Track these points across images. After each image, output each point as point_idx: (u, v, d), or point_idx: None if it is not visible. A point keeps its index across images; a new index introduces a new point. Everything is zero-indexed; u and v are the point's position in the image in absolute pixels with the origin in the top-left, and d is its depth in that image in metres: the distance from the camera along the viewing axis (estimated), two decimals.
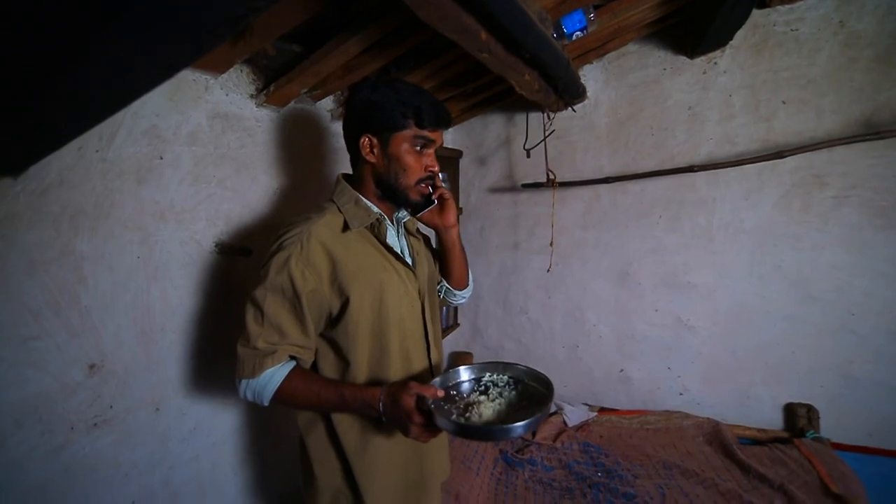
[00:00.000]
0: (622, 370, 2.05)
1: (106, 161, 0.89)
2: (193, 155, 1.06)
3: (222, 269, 1.13)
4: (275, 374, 0.81)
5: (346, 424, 0.88)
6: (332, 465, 0.91)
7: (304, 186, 1.35)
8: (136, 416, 0.93)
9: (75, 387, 0.84)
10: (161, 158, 0.99)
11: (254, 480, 1.24)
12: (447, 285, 1.15)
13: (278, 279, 0.82)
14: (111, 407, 0.89)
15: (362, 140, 0.90)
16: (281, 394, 0.82)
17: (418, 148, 0.91)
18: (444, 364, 1.38)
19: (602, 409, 1.97)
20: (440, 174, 1.00)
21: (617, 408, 1.99)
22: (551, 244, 1.99)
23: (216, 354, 1.11)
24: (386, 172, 0.91)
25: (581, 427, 1.85)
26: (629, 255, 2.00)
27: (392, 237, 0.97)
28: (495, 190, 2.27)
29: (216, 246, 1.12)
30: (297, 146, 1.34)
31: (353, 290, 0.85)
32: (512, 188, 2.21)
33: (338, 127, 1.49)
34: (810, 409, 1.74)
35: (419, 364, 0.94)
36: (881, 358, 1.70)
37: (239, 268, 1.16)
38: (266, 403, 0.82)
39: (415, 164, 0.90)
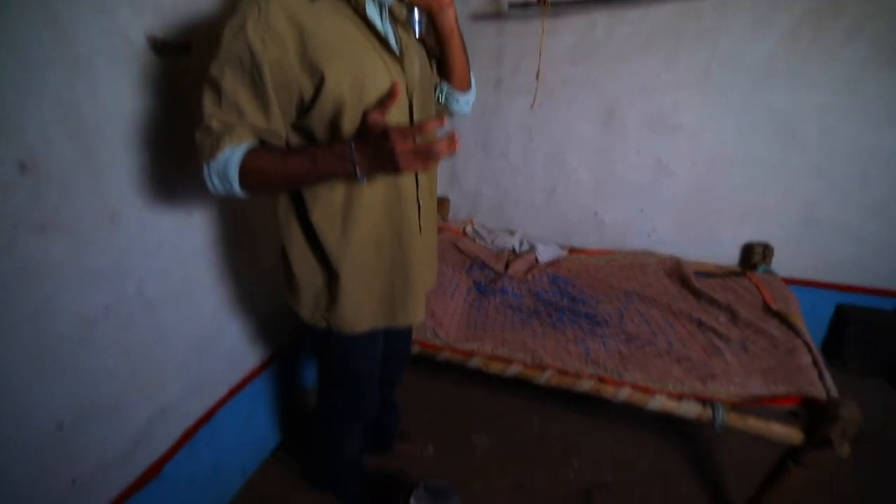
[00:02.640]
0: (596, 213, 2.08)
1: None
2: None
3: (165, 73, 0.98)
4: (234, 151, 0.74)
5: (325, 221, 0.84)
6: (312, 265, 0.91)
7: None
8: (89, 224, 0.88)
9: (8, 186, 0.77)
10: None
11: (234, 298, 1.26)
12: (447, 87, 1.01)
13: (234, 48, 0.70)
14: (57, 211, 0.83)
15: None
16: (247, 173, 0.74)
17: None
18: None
19: (573, 250, 2.04)
20: None
21: (588, 248, 2.07)
22: (537, 76, 1.83)
23: (174, 167, 1.02)
24: None
25: (552, 264, 1.93)
26: (618, 93, 1.88)
27: (373, 11, 0.83)
28: (478, 17, 1.99)
29: (149, 42, 0.95)
30: None
31: (328, 67, 0.73)
32: (497, 14, 1.95)
33: None
34: (766, 247, 1.84)
35: (405, 179, 0.88)
36: (846, 202, 1.76)
37: (189, 71, 1.01)
38: (237, 188, 0.76)
39: None
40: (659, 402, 1.22)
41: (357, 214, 0.85)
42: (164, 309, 1.06)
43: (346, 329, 0.95)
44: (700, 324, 1.51)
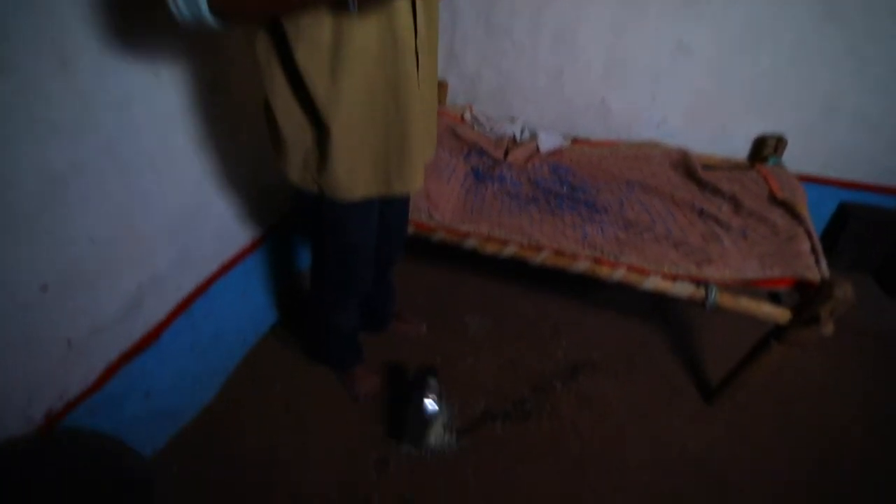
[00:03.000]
0: (604, 99, 1.94)
1: None
2: None
3: None
4: None
5: (312, 64, 0.74)
6: (300, 119, 0.83)
7: None
8: (37, 66, 0.77)
9: None
10: None
11: (218, 171, 1.19)
12: None
13: None
14: None
15: None
16: None
17: None
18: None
19: (576, 140, 1.93)
20: None
21: (592, 138, 1.96)
22: None
23: (133, 8, 0.89)
24: None
25: (553, 153, 1.84)
26: None
27: None
28: None
29: None
30: None
31: None
32: None
33: None
34: (780, 139, 1.75)
35: (402, 22, 0.76)
36: (873, 90, 1.64)
37: None
38: (205, 11, 0.64)
39: None
40: (653, 283, 1.22)
41: (348, 59, 0.75)
42: (141, 174, 0.99)
43: (339, 195, 0.90)
44: (701, 212, 1.47)
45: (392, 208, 1.12)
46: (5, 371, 0.86)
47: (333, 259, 1.08)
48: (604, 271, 1.26)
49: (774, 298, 1.77)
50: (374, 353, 1.52)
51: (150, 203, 1.03)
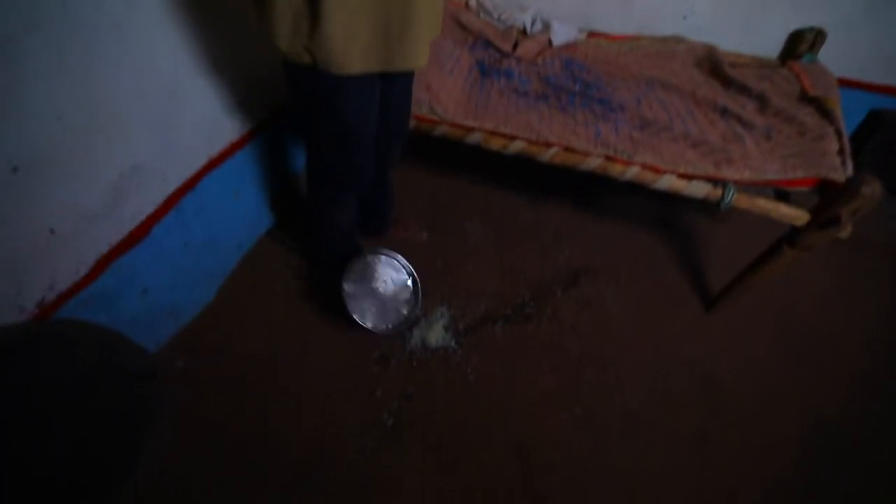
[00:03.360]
0: None
1: None
2: None
3: None
4: None
5: None
6: None
7: None
8: None
9: None
10: None
11: (196, 52, 1.07)
12: None
13: None
14: None
15: None
16: None
17: None
18: None
19: (592, 33, 1.75)
20: None
21: (610, 32, 1.78)
22: None
23: None
24: None
25: (566, 47, 1.67)
26: None
27: None
28: None
29: None
30: None
31: None
32: None
33: None
34: (819, 33, 1.58)
35: None
36: None
37: None
38: None
39: None
40: (667, 182, 1.15)
41: None
42: (103, 41, 0.87)
43: (334, 67, 0.80)
44: (724, 111, 1.36)
45: (393, 93, 1.02)
46: None
47: (330, 146, 1.00)
48: (616, 169, 1.18)
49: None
50: None
51: (119, 77, 0.92)
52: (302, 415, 1.19)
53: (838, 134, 1.22)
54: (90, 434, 0.86)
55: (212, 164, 1.21)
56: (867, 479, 1.18)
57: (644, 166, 1.17)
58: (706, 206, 1.72)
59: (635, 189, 1.79)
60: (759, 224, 1.72)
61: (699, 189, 1.14)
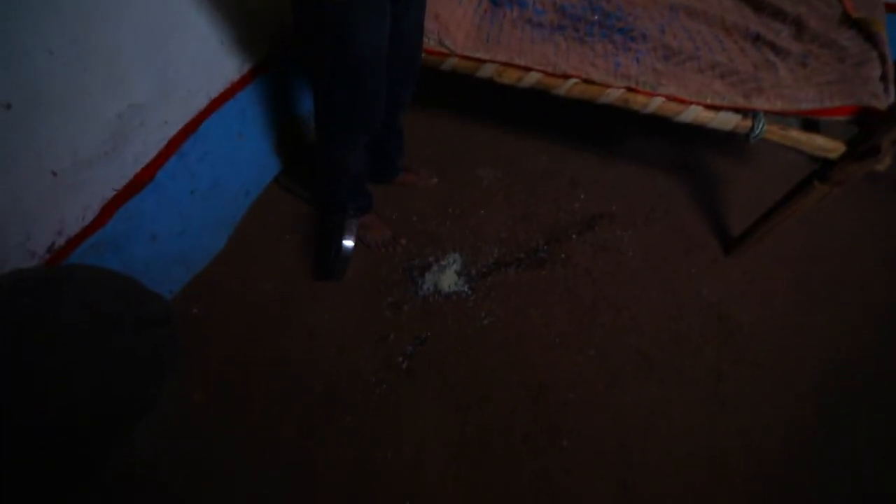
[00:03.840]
0: None
1: None
2: None
3: None
4: None
5: None
6: None
7: None
8: None
9: None
10: None
11: None
12: None
13: None
14: None
15: None
16: None
17: None
18: None
19: None
20: None
21: None
22: None
23: None
24: None
25: None
26: None
27: None
28: None
29: None
30: None
31: None
32: None
33: None
34: None
35: None
36: None
37: None
38: None
39: None
40: (693, 113, 1.08)
41: None
42: None
43: None
44: (756, 38, 1.26)
45: (406, 20, 0.95)
46: None
47: (340, 81, 0.94)
48: (639, 101, 1.11)
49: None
50: (384, 205, 1.46)
51: (111, 9, 0.86)
52: (318, 358, 1.20)
53: (882, 59, 1.12)
54: (108, 377, 0.87)
55: (213, 106, 1.16)
56: (887, 422, 1.17)
57: (668, 97, 1.10)
58: (727, 148, 1.65)
59: (654, 131, 1.73)
60: (782, 166, 1.66)
61: (727, 120, 1.07)
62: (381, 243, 1.38)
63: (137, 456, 1.04)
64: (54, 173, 0.88)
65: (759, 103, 1.08)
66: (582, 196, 1.56)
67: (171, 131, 1.09)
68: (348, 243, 1.23)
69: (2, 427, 0.77)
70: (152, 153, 1.06)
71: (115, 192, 1.00)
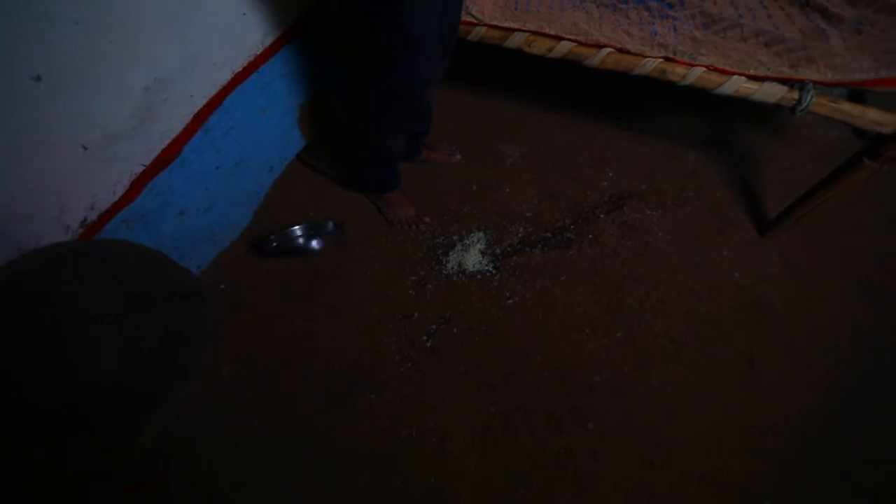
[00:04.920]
0: None
1: None
2: None
3: None
4: None
5: None
6: None
7: None
8: None
9: None
10: None
11: None
12: None
13: None
14: None
15: None
16: None
17: None
18: None
19: None
20: None
21: None
22: None
23: None
24: None
25: None
26: None
27: None
28: None
29: None
30: None
31: None
32: None
33: None
34: None
35: None
36: None
37: None
38: None
39: None
40: (735, 84, 1.02)
41: None
42: None
43: None
44: (805, 4, 1.18)
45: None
46: (28, 177, 0.82)
47: (392, 62, 0.89)
48: (677, 72, 1.06)
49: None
50: (407, 183, 1.44)
51: None
52: (342, 334, 1.21)
53: None
54: (140, 350, 0.89)
55: (237, 80, 1.15)
56: None
57: (709, 68, 1.04)
58: (764, 124, 1.57)
59: (686, 106, 1.65)
60: (822, 143, 1.57)
61: (772, 92, 1.01)
62: (406, 221, 1.36)
63: (169, 428, 1.07)
64: (85, 147, 0.89)
65: (807, 73, 1.01)
66: (610, 174, 1.51)
67: (197, 106, 1.08)
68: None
69: (38, 397, 0.80)
70: (178, 128, 1.06)
71: (143, 168, 1.01)
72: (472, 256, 1.32)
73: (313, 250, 1.29)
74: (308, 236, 1.29)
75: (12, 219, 0.82)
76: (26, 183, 0.82)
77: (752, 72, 1.03)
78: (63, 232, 0.91)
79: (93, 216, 0.95)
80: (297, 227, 1.28)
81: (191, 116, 1.07)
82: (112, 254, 0.93)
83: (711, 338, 1.22)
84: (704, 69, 1.04)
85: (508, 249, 1.34)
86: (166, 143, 1.04)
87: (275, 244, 1.26)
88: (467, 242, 1.34)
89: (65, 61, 0.80)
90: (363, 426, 1.09)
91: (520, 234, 1.37)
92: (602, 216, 1.41)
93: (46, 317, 0.82)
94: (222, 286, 1.26)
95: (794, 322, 1.25)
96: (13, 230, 0.83)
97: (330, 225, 1.31)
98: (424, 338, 1.20)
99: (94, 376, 0.83)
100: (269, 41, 1.21)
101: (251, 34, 1.16)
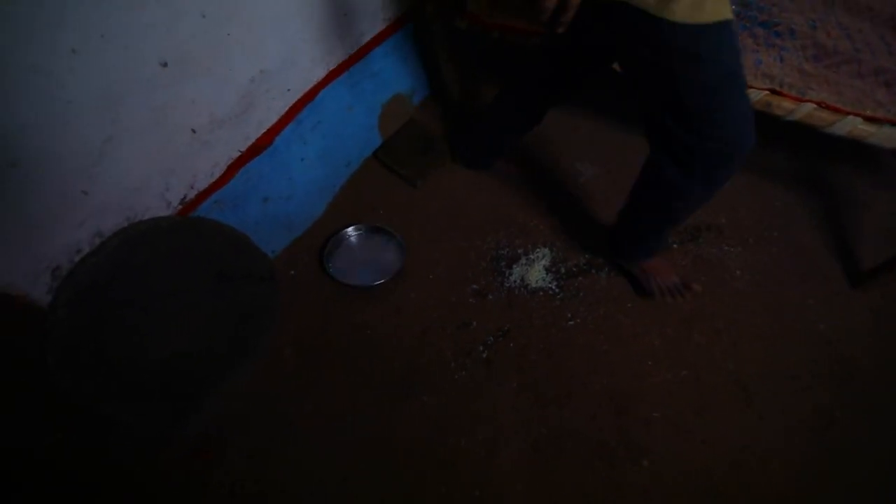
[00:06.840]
0: None
1: None
2: None
3: None
4: None
5: None
6: None
7: None
8: None
9: None
10: None
11: None
12: None
13: None
14: None
15: None
16: None
17: None
18: None
19: None
20: None
21: None
22: None
23: None
24: None
25: None
26: None
27: None
28: None
29: None
30: None
31: None
32: None
33: None
34: None
35: None
36: None
37: None
38: None
39: None
40: (849, 125, 0.96)
41: None
42: None
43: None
44: None
45: None
46: (144, 153, 0.89)
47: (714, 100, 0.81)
48: (784, 106, 1.00)
49: None
50: (478, 191, 1.45)
51: None
52: (401, 334, 1.22)
53: None
54: (220, 322, 0.95)
55: (330, 77, 1.20)
56: None
57: (821, 104, 0.98)
58: (864, 165, 1.46)
59: (776, 138, 1.56)
60: None
61: (891, 137, 0.94)
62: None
63: (231, 402, 1.12)
64: (193, 130, 0.95)
65: None
66: None
67: (292, 99, 1.14)
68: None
69: (132, 354, 0.87)
70: (273, 119, 1.11)
71: (239, 154, 1.07)
72: (535, 272, 1.30)
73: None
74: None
75: (126, 191, 0.89)
76: (141, 159, 0.89)
77: (869, 113, 0.96)
78: (165, 207, 0.98)
79: (192, 194, 1.02)
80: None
81: (286, 108, 1.13)
82: (204, 232, 0.99)
83: (786, 391, 1.14)
84: (815, 105, 0.98)
85: (574, 269, 1.31)
86: (262, 131, 1.10)
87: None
88: (532, 257, 1.32)
89: (189, 50, 0.86)
90: (414, 426, 1.10)
91: (587, 256, 1.34)
92: (675, 245, 1.36)
93: (145, 285, 0.89)
94: (292, 272, 1.31)
95: (881, 383, 1.15)
96: (125, 201, 0.90)
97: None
98: (481, 348, 1.20)
99: (180, 345, 0.89)
100: (362, 42, 1.26)
101: (348, 35, 1.21)
